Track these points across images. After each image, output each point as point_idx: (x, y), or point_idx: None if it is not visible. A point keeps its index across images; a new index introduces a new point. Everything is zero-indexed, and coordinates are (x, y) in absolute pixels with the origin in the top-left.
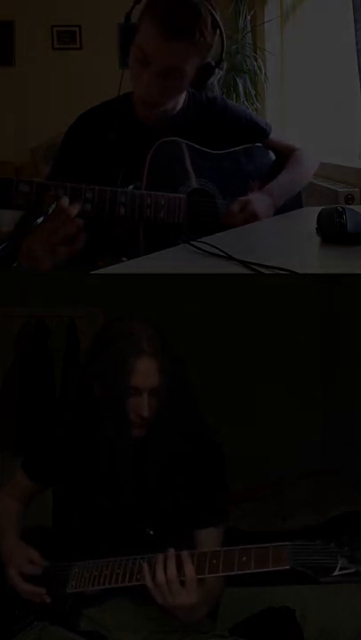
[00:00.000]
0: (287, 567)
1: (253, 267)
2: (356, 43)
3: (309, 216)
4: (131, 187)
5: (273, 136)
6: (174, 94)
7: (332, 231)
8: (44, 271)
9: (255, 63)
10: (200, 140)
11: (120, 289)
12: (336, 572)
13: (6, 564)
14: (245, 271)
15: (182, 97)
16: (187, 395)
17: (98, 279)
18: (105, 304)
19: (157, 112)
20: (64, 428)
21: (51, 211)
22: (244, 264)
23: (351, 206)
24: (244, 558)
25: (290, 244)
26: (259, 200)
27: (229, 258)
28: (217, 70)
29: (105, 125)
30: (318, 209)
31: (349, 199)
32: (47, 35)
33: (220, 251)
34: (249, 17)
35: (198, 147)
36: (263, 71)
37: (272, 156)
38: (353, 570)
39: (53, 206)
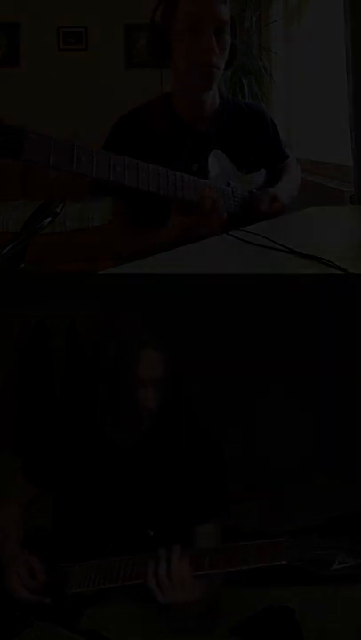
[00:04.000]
0: (285, 562)
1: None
2: (345, 43)
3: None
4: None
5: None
6: (225, 52)
7: None
8: (43, 271)
9: (261, 64)
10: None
11: (120, 289)
12: (335, 566)
13: (7, 570)
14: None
15: (217, 93)
16: (184, 395)
17: (98, 279)
18: (105, 304)
19: (208, 94)
20: (64, 428)
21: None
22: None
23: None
24: (241, 554)
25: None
26: (283, 194)
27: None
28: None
29: (147, 126)
30: (324, 208)
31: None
32: (53, 36)
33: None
34: (254, 18)
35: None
36: (269, 72)
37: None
38: (352, 563)
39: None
